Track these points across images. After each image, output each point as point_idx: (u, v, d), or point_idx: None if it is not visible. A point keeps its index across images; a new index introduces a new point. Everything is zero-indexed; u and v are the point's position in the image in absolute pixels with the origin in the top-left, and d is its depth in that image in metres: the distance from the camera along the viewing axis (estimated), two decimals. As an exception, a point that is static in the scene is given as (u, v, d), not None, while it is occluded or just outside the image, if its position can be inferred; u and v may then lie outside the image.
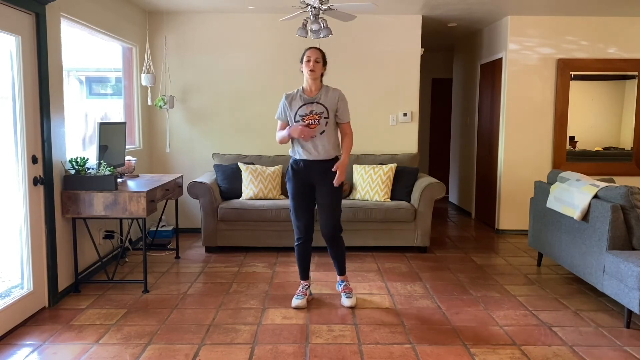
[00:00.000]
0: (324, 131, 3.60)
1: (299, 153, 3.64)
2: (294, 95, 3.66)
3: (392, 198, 5.34)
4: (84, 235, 4.18)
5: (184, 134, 5.95)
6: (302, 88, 3.68)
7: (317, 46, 3.85)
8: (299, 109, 3.60)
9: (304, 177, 3.64)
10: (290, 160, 3.72)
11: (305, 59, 3.59)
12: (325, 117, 3.59)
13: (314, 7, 4.14)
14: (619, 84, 6.18)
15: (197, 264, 4.80)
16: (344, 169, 3.61)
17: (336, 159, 3.68)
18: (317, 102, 3.60)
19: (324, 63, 3.64)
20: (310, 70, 3.56)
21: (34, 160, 3.48)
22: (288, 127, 3.65)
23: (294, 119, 3.61)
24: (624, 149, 6.15)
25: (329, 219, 3.67)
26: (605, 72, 6.00)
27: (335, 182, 3.59)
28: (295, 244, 3.77)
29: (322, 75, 3.67)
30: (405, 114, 5.98)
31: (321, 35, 4.25)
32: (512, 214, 6.12)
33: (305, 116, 3.58)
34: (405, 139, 6.01)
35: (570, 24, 5.91)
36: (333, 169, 3.59)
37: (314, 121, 3.57)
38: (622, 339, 3.22)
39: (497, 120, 6.25)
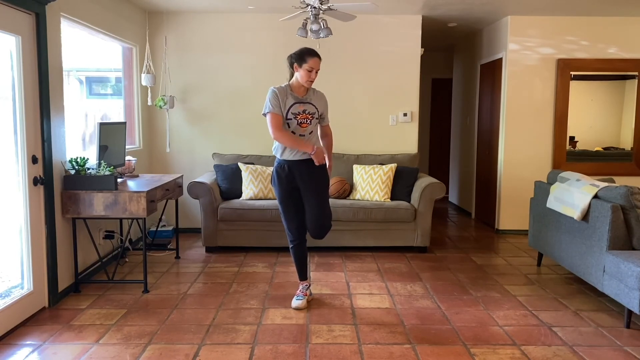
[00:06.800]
0: (312, 131, 3.63)
1: (287, 153, 3.61)
2: (284, 91, 3.58)
3: (392, 198, 5.34)
4: (84, 235, 4.18)
5: (184, 134, 5.95)
6: (290, 86, 3.61)
7: (317, 48, 3.82)
8: (291, 106, 3.56)
9: (290, 179, 3.63)
10: (275, 164, 3.70)
11: (307, 67, 3.49)
12: (316, 118, 3.64)
13: (314, 7, 4.14)
14: (619, 84, 6.18)
15: (197, 264, 4.80)
16: (331, 167, 3.83)
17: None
18: (310, 103, 3.61)
19: None
20: (310, 81, 3.54)
21: (34, 160, 3.48)
22: (310, 144, 3.57)
23: (286, 116, 3.56)
24: (624, 149, 6.15)
25: (323, 217, 3.67)
26: (605, 72, 6.00)
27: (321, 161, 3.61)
28: (290, 246, 3.76)
29: None
30: (405, 114, 5.98)
31: (321, 35, 4.25)
32: (512, 214, 6.12)
33: (298, 114, 3.56)
34: (405, 139, 6.01)
35: (570, 24, 5.91)
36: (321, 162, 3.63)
37: (307, 120, 3.58)
38: (622, 339, 3.22)
39: (497, 120, 6.25)
